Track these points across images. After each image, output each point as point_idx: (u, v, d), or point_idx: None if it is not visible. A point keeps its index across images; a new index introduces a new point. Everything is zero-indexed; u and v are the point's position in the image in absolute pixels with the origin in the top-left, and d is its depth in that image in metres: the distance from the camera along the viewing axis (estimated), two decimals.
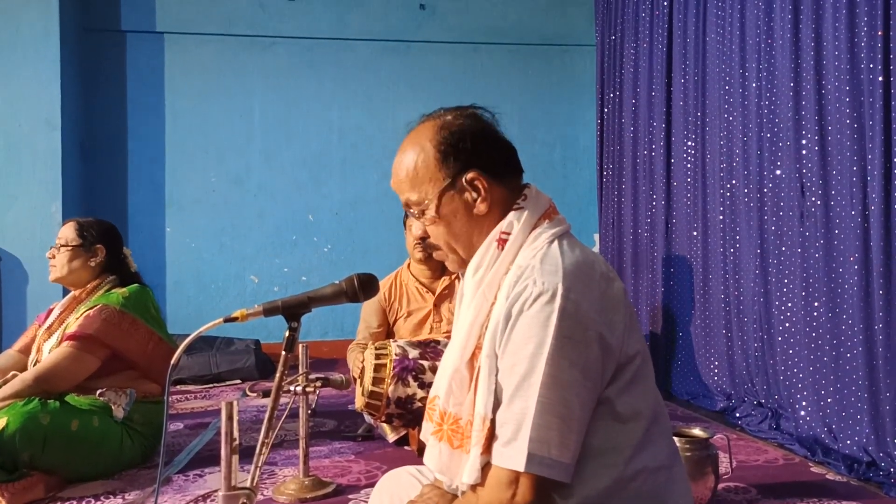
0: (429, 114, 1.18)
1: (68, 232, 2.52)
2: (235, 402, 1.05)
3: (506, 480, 0.99)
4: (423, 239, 1.18)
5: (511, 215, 1.12)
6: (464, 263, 1.15)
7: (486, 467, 1.03)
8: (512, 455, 0.98)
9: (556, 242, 1.08)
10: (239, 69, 4.98)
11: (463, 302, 1.15)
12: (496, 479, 1.00)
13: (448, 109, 1.17)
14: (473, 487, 1.04)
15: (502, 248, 1.10)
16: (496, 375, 1.03)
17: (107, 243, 2.55)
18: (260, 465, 1.08)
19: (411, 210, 1.15)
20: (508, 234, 1.10)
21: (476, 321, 1.09)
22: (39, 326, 2.59)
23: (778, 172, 2.91)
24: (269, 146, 5.03)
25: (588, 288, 1.03)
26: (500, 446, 1.00)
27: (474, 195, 1.12)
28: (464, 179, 1.11)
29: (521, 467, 0.97)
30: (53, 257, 2.51)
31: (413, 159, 1.13)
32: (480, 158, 1.12)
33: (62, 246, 2.49)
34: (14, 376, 2.42)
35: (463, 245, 1.14)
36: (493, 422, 1.02)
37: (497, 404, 1.02)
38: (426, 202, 1.13)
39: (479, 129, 1.15)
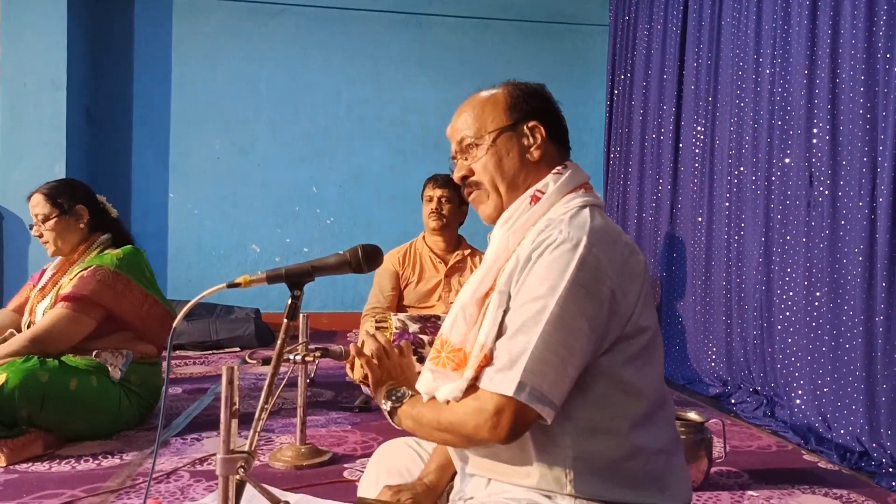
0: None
1: (41, 206, 2.45)
2: (236, 367, 1.05)
3: (490, 407, 0.99)
4: (465, 179, 1.20)
5: (549, 177, 1.15)
6: (500, 208, 1.17)
7: (469, 391, 1.03)
8: (502, 381, 0.99)
9: (587, 209, 1.11)
10: (246, 37, 4.94)
11: (488, 248, 1.17)
12: (478, 403, 1.01)
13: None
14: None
15: (534, 204, 1.13)
16: (504, 312, 1.04)
17: (83, 201, 2.50)
18: (259, 429, 1.09)
19: (464, 146, 1.19)
20: (543, 192, 1.13)
21: (495, 263, 1.12)
22: (33, 287, 2.58)
23: (787, 161, 2.89)
24: (275, 116, 5.00)
25: (612, 249, 1.05)
26: (492, 372, 1.01)
27: (531, 141, 1.17)
28: (526, 126, 1.17)
29: (510, 392, 0.97)
30: (41, 236, 2.46)
31: (481, 104, 1.19)
32: (545, 115, 1.19)
33: (44, 222, 2.45)
34: (11, 335, 2.43)
35: (507, 185, 1.17)
36: (490, 349, 1.03)
37: (498, 337, 1.03)
38: (484, 136, 1.17)
39: (548, 96, 1.23)
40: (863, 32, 2.45)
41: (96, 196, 2.59)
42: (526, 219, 1.12)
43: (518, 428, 0.99)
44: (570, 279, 1.00)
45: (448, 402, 1.06)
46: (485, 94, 1.21)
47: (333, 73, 5.03)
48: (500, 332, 1.03)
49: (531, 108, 1.18)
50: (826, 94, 2.63)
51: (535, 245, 1.05)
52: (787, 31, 2.90)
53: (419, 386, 1.15)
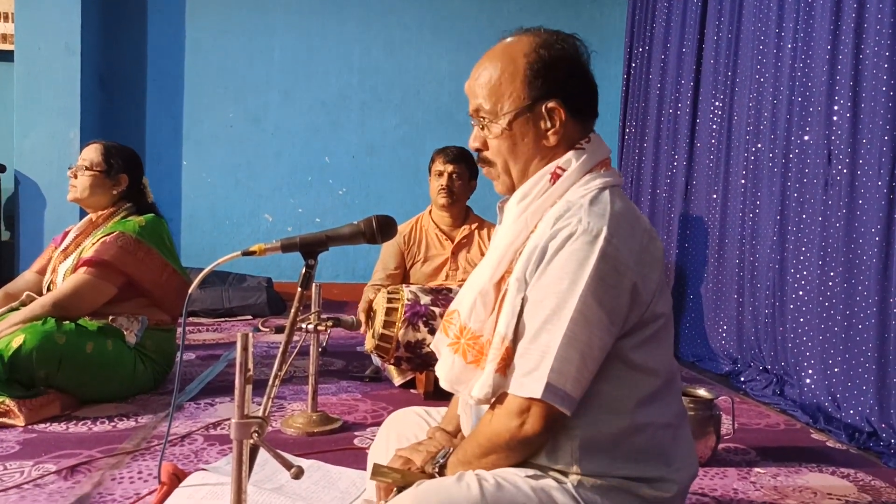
0: (528, 28, 1.14)
1: (94, 155, 2.51)
2: (251, 334, 1.06)
3: (516, 409, 1.01)
4: (479, 151, 1.16)
5: (571, 153, 1.10)
6: (512, 188, 1.14)
7: (500, 396, 1.03)
8: (529, 384, 0.99)
9: (608, 190, 1.07)
10: (260, 4, 4.89)
11: (503, 225, 1.14)
12: (508, 408, 1.02)
13: (550, 30, 1.13)
14: (492, 407, 1.05)
15: (554, 182, 1.09)
16: (522, 303, 1.03)
17: (130, 173, 2.55)
18: (272, 396, 1.10)
19: (480, 116, 1.13)
20: (564, 170, 1.09)
21: (512, 245, 1.09)
22: (55, 248, 2.62)
23: (806, 138, 2.84)
24: (288, 85, 4.97)
25: (631, 237, 1.03)
26: (520, 376, 1.01)
27: (549, 125, 1.10)
28: (544, 107, 1.09)
29: (537, 394, 0.98)
30: (75, 177, 2.51)
31: (500, 69, 1.10)
32: (567, 91, 1.09)
33: (86, 169, 2.49)
34: (29, 297, 2.47)
35: (519, 169, 1.12)
36: (512, 342, 1.02)
37: (519, 330, 1.02)
38: (499, 115, 1.10)
39: (576, 61, 1.12)
40: (889, 7, 2.39)
41: (144, 176, 2.65)
42: (545, 198, 1.08)
43: (546, 422, 1.00)
44: (590, 273, 0.98)
45: (493, 406, 1.05)
46: (507, 50, 1.11)
47: (347, 42, 4.98)
48: (518, 323, 1.02)
49: (552, 83, 1.08)
50: (849, 71, 2.58)
51: (553, 233, 1.02)
52: (811, 5, 2.83)
53: (439, 371, 1.13)
